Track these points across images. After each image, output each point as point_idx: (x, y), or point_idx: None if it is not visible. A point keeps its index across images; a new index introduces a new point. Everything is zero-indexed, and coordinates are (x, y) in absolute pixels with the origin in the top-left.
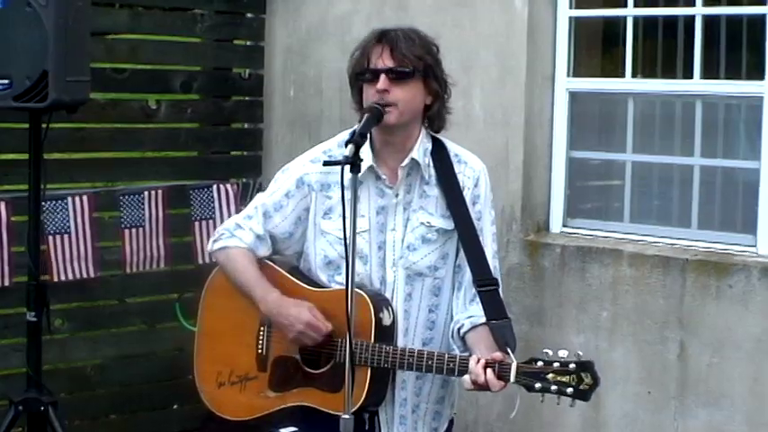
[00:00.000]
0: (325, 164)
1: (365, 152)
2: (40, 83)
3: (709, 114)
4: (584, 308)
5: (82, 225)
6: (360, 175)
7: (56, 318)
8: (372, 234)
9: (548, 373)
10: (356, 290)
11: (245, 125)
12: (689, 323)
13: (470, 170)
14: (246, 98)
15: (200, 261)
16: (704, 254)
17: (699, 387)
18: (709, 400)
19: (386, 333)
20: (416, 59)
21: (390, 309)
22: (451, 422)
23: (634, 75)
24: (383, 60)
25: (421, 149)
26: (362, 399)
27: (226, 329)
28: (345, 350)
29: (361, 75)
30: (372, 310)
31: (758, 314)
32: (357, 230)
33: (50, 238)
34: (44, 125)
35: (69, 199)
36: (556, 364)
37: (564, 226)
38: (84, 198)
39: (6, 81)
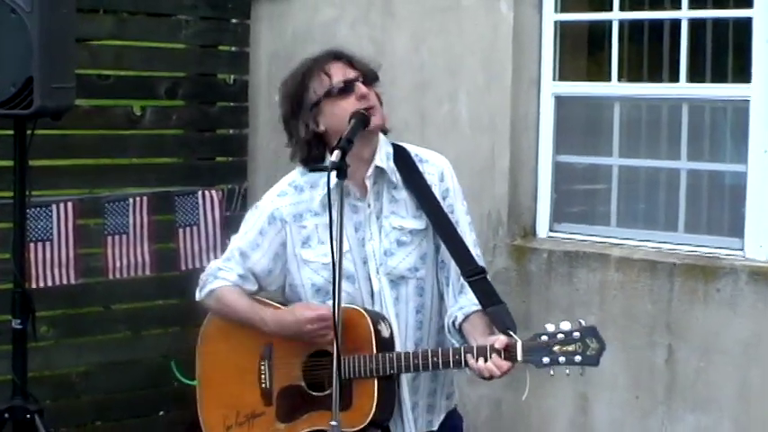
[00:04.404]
0: (311, 170)
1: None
2: (25, 89)
3: (695, 118)
4: (572, 312)
5: (65, 232)
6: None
7: (41, 325)
8: (354, 252)
9: (553, 346)
10: (352, 306)
11: (231, 131)
12: (677, 328)
13: (433, 167)
14: (231, 104)
15: (184, 268)
16: (691, 258)
17: (687, 392)
18: (698, 404)
19: (386, 345)
20: (368, 66)
21: (387, 321)
22: (454, 413)
23: (620, 78)
24: (346, 73)
25: (383, 156)
26: (373, 410)
27: (226, 373)
28: (348, 367)
29: (330, 92)
30: (371, 323)
31: (746, 318)
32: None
33: (32, 245)
34: (29, 132)
35: (54, 206)
36: (560, 336)
37: (550, 230)
38: (69, 205)
39: None
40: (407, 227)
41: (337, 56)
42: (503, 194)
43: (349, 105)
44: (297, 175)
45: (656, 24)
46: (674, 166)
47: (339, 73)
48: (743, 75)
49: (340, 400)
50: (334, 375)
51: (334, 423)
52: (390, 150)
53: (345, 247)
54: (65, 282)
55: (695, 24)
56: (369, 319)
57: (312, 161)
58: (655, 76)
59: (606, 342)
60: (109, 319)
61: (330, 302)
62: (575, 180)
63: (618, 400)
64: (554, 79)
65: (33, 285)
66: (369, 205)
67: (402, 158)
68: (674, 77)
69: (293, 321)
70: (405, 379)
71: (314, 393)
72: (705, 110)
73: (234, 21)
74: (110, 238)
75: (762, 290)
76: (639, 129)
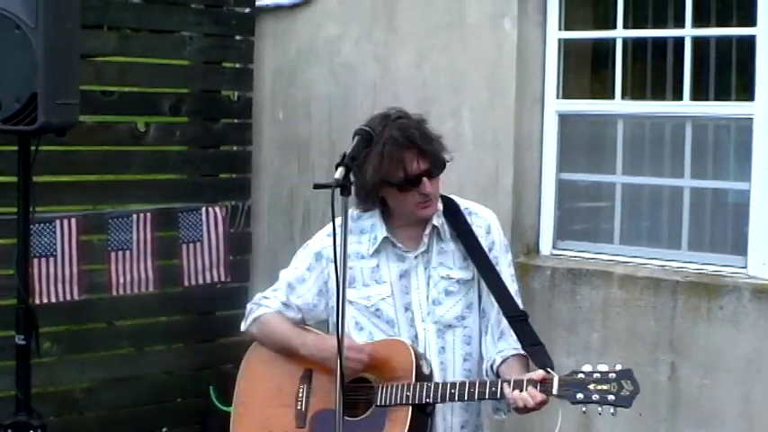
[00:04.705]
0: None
1: (377, 225)
2: (29, 105)
3: (698, 135)
4: (575, 330)
5: (69, 248)
6: (376, 246)
7: (45, 341)
8: (396, 298)
9: (589, 384)
10: (398, 338)
11: (234, 147)
12: (680, 345)
13: (481, 219)
14: (235, 121)
15: (188, 284)
16: (695, 275)
17: (690, 409)
18: (701, 421)
19: (425, 380)
20: (439, 155)
21: (429, 362)
22: None
23: (623, 96)
24: (417, 165)
25: (436, 214)
26: None
27: (263, 397)
28: (385, 393)
29: (396, 185)
30: (413, 356)
31: (749, 335)
32: (381, 296)
33: (35, 260)
34: (33, 148)
35: (57, 222)
36: (596, 375)
37: (554, 248)
38: (73, 221)
39: None
40: (455, 277)
41: (413, 145)
42: (506, 212)
43: (411, 198)
44: (349, 218)
45: (660, 42)
46: (677, 184)
47: (410, 164)
48: (746, 93)
49: (372, 427)
50: (337, 395)
51: None
52: (440, 206)
53: (387, 292)
54: (68, 297)
55: (698, 42)
56: (412, 351)
57: (365, 210)
58: (658, 94)
59: (610, 359)
60: (112, 335)
61: (372, 340)
62: (578, 198)
63: (621, 417)
64: (558, 97)
65: (37, 301)
66: (416, 257)
67: (451, 212)
68: (678, 95)
69: (332, 346)
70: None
71: (348, 418)
72: (708, 128)
73: (238, 37)
74: (113, 254)
75: (765, 307)
76: (643, 146)
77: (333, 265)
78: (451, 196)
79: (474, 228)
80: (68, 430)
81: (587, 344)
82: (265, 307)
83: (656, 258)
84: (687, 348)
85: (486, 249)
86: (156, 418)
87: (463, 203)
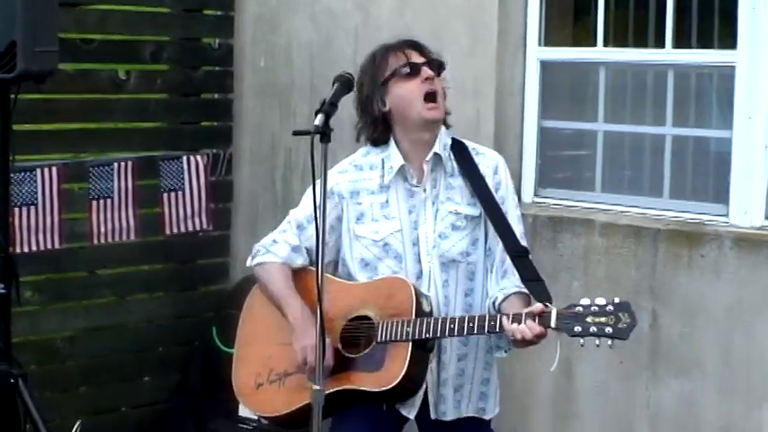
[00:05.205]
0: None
1: (392, 155)
2: (8, 53)
3: (681, 84)
4: (556, 277)
5: (50, 196)
6: (389, 178)
7: (26, 290)
8: (405, 233)
9: (587, 316)
10: (399, 276)
11: (215, 95)
12: (661, 293)
13: (489, 160)
14: (216, 68)
15: (169, 232)
16: (676, 223)
17: (670, 356)
18: (681, 369)
19: (426, 317)
20: (435, 55)
21: (430, 299)
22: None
23: (606, 44)
24: (416, 58)
25: (441, 144)
26: (401, 375)
27: (264, 334)
28: (385, 330)
29: (397, 71)
30: (413, 293)
31: (730, 284)
32: (390, 231)
33: (16, 209)
34: (12, 96)
35: (38, 170)
36: (594, 308)
37: (535, 196)
38: (53, 169)
39: None
40: (462, 212)
41: (410, 44)
42: None
43: (414, 87)
44: (359, 155)
45: None
46: (659, 132)
47: (409, 55)
48: (729, 41)
49: (372, 363)
50: (317, 345)
51: (316, 387)
52: (449, 141)
53: (396, 227)
54: (49, 246)
55: None
56: (412, 289)
57: (376, 142)
58: (640, 42)
59: None
60: (93, 283)
61: (376, 277)
62: (560, 145)
63: (602, 364)
64: (539, 44)
65: (18, 250)
66: (425, 190)
67: (459, 149)
68: (660, 43)
69: (301, 346)
70: (450, 360)
71: (346, 354)
72: (691, 76)
73: None
74: (94, 203)
75: (746, 256)
76: (625, 94)
77: (345, 200)
78: (460, 138)
79: (481, 167)
80: (49, 379)
81: (568, 292)
82: (273, 254)
83: (637, 206)
84: (668, 296)
85: (493, 189)
86: (137, 366)
87: (471, 144)
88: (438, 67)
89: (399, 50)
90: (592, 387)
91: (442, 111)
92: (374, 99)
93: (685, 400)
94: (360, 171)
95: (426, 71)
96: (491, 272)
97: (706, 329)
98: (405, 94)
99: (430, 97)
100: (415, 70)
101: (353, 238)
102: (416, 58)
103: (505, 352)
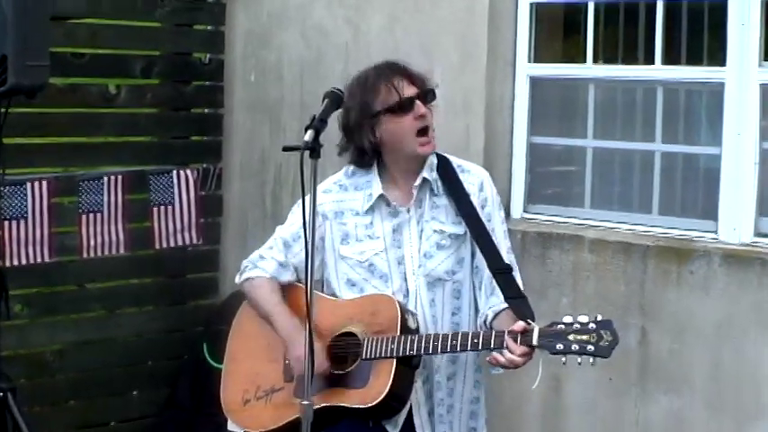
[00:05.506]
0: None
1: (373, 182)
2: None
3: (670, 100)
4: (545, 294)
5: (39, 210)
6: (371, 203)
7: (15, 303)
8: (389, 253)
9: (569, 334)
10: (384, 294)
11: (206, 110)
12: (650, 309)
13: (474, 177)
14: (207, 83)
15: (159, 246)
16: (665, 240)
17: (659, 373)
18: (670, 386)
19: (410, 333)
20: (427, 84)
21: (416, 317)
22: None
23: (595, 61)
24: (408, 90)
25: (429, 168)
26: (386, 391)
27: (252, 351)
28: (370, 347)
29: (392, 108)
30: (399, 310)
31: (719, 300)
32: (375, 251)
33: (6, 223)
34: (3, 110)
35: (28, 184)
36: (576, 326)
37: (525, 212)
38: (44, 183)
39: None
40: (447, 231)
41: (401, 72)
42: None
43: (407, 123)
44: (342, 175)
45: (632, 7)
46: (648, 149)
47: (401, 87)
48: (718, 58)
49: (358, 380)
50: (306, 360)
51: (305, 402)
52: (435, 161)
53: (380, 247)
54: (39, 260)
55: (671, 7)
56: (398, 306)
57: (360, 165)
58: (630, 59)
59: None
60: (83, 297)
61: (362, 296)
62: (549, 162)
63: (591, 380)
64: (529, 61)
65: (7, 263)
66: (408, 210)
67: (444, 168)
68: (650, 60)
69: (294, 358)
70: (442, 380)
71: (335, 372)
72: (680, 92)
73: (209, 0)
74: (84, 217)
75: (735, 272)
76: (614, 111)
77: (328, 221)
78: (445, 154)
79: (466, 185)
80: (39, 393)
81: (557, 308)
82: (261, 269)
83: (626, 223)
84: (657, 313)
85: (479, 206)
86: (126, 380)
87: (456, 161)
88: (430, 98)
89: (390, 82)
90: (581, 404)
91: (434, 144)
92: (363, 129)
93: (674, 416)
94: (344, 191)
95: (420, 108)
96: (479, 289)
97: (695, 346)
98: (397, 130)
99: (423, 132)
100: (409, 106)
101: (338, 259)
102: (408, 90)
103: (501, 369)
